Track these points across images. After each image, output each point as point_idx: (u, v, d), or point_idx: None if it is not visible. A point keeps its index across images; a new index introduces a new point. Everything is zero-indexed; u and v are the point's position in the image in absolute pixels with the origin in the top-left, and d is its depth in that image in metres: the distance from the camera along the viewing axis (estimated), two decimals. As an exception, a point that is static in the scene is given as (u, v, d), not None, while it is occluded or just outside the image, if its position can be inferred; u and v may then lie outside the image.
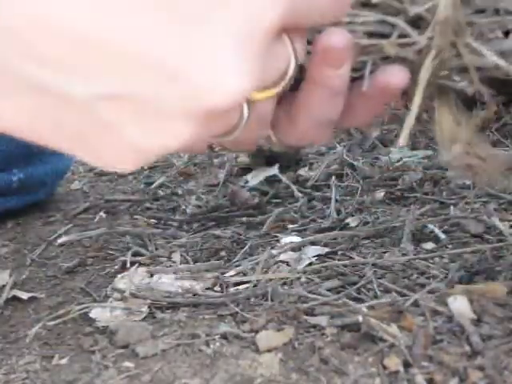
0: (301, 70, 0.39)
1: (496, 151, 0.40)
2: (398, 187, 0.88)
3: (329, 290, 0.60)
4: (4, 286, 0.68)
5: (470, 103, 0.41)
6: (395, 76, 0.38)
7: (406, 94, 0.40)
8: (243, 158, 1.08)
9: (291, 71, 0.35)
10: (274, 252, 0.70)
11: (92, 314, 0.60)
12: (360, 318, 0.53)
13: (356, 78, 0.39)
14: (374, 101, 0.40)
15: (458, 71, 0.39)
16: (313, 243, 0.72)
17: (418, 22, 0.37)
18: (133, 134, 0.30)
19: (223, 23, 0.28)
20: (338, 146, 1.08)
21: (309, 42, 0.38)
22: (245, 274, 0.66)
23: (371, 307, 0.56)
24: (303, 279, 0.63)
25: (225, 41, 0.28)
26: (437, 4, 0.36)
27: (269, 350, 0.52)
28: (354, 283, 0.61)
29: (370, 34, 0.38)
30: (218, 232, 0.80)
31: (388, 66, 0.38)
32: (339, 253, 0.70)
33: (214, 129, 0.34)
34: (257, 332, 0.54)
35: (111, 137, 0.30)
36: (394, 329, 0.52)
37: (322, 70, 0.37)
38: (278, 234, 0.77)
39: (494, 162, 0.40)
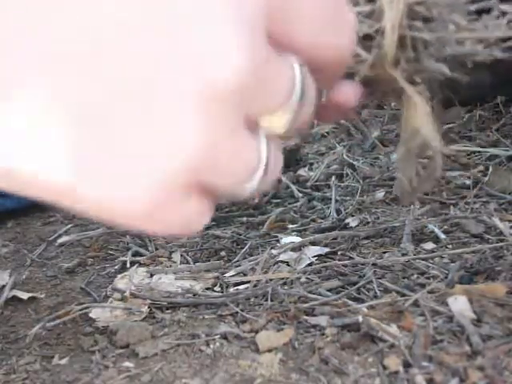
0: None
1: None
2: (398, 187, 0.88)
3: (329, 290, 0.60)
4: (4, 286, 0.69)
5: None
6: (348, 95, 0.39)
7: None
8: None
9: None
10: (274, 252, 0.70)
11: (92, 314, 0.60)
12: (360, 318, 0.53)
13: None
14: (334, 111, 0.42)
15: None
16: (313, 243, 0.72)
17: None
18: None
19: None
20: (337, 146, 1.08)
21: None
22: (245, 274, 0.66)
23: (371, 307, 0.56)
24: (303, 279, 0.63)
25: None
26: (383, 26, 0.38)
27: (269, 350, 0.52)
28: (354, 283, 0.61)
29: None
30: (218, 232, 0.80)
31: (342, 83, 0.39)
32: (339, 253, 0.70)
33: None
34: (257, 332, 0.54)
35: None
36: (393, 329, 0.52)
37: None
38: (277, 234, 0.77)
39: (422, 182, 0.41)
